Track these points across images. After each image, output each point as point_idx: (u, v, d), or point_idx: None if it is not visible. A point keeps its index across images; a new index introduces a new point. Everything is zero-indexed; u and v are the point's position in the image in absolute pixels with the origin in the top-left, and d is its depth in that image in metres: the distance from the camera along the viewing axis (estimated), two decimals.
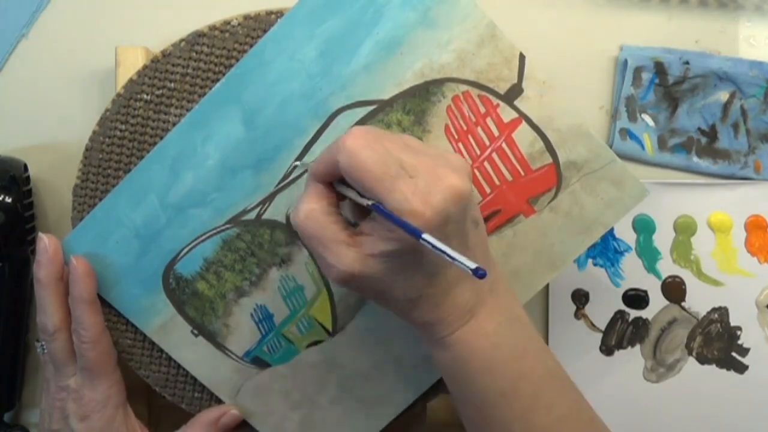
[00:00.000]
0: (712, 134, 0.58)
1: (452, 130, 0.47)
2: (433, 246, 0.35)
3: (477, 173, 0.47)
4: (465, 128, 0.47)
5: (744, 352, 0.59)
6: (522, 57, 0.47)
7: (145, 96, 0.48)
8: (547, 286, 0.58)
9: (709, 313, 0.59)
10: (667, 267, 0.58)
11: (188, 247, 0.48)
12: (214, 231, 0.48)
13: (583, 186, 0.48)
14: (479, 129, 0.47)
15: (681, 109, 0.58)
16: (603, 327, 0.59)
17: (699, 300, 0.59)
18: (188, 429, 0.48)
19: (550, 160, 0.47)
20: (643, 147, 0.58)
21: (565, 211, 0.48)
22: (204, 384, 0.50)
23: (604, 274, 0.58)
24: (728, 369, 0.59)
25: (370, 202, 0.38)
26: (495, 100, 0.47)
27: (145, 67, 0.48)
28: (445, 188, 0.37)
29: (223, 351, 0.50)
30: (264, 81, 0.46)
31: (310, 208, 0.39)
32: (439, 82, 0.47)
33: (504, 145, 0.47)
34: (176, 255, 0.48)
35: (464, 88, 0.47)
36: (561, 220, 0.48)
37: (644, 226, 0.58)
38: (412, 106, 0.47)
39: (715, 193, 0.58)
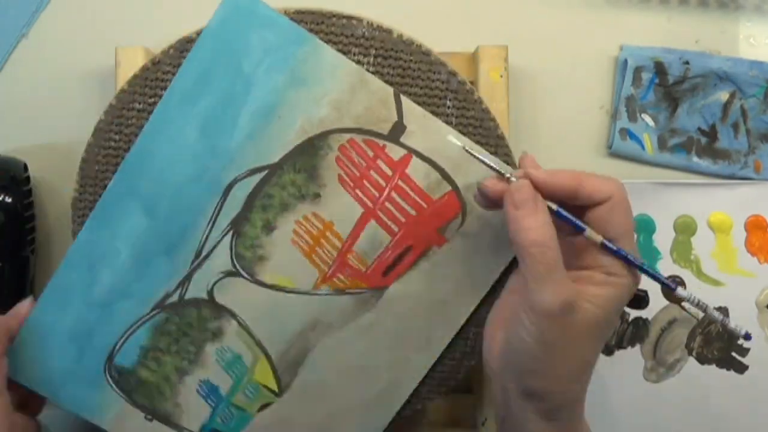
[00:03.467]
0: (712, 134, 0.58)
1: (346, 179, 0.47)
2: (689, 300, 0.39)
3: (381, 215, 0.48)
4: (358, 174, 0.47)
5: (744, 352, 0.59)
6: (397, 94, 0.47)
7: (137, 105, 0.49)
8: None
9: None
10: (667, 267, 0.58)
11: (122, 339, 0.49)
12: (143, 319, 0.49)
13: None
14: (372, 172, 0.47)
15: (681, 109, 0.58)
16: None
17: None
18: None
19: (449, 187, 0.47)
20: (643, 147, 0.58)
21: (475, 233, 0.48)
22: None
23: None
24: (728, 369, 0.59)
25: (614, 247, 0.39)
26: (381, 142, 0.47)
27: (135, 76, 0.49)
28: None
29: (180, 430, 0.50)
30: (154, 170, 0.47)
31: (548, 233, 0.38)
32: (323, 136, 0.47)
33: (400, 183, 0.47)
34: (112, 349, 0.49)
35: (348, 136, 0.47)
36: (474, 243, 0.48)
37: (644, 226, 0.58)
38: (302, 164, 0.47)
39: (715, 193, 0.58)
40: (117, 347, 0.49)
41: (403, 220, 0.48)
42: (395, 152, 0.47)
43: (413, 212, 0.47)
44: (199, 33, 0.47)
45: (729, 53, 0.59)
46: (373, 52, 0.49)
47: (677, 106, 0.58)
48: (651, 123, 0.58)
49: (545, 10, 0.58)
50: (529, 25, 0.58)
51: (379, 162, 0.47)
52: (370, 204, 0.48)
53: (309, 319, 0.48)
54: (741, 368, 0.59)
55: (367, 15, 0.49)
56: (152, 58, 0.49)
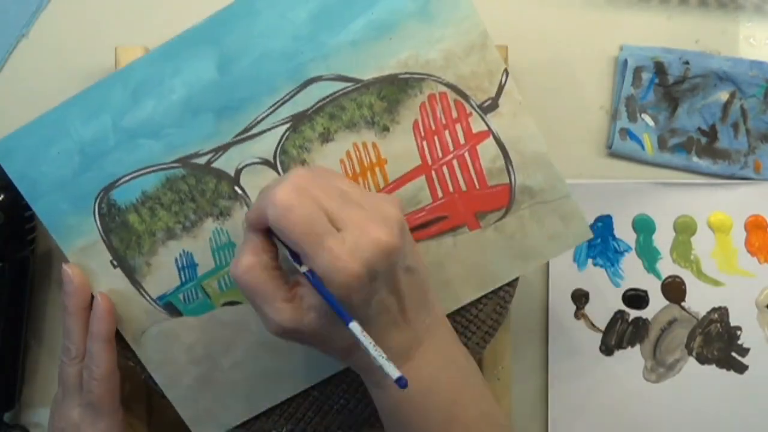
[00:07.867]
0: (712, 134, 0.58)
1: (420, 126, 0.47)
2: (358, 338, 0.37)
3: (434, 175, 0.47)
4: (433, 128, 0.47)
5: (744, 352, 0.59)
6: (506, 73, 0.47)
7: None
8: (547, 285, 0.58)
9: (709, 313, 0.59)
10: (667, 267, 0.58)
11: (130, 175, 0.47)
12: (161, 166, 0.47)
13: (532, 213, 0.48)
14: (447, 132, 0.47)
15: (681, 109, 0.58)
16: (603, 327, 0.59)
17: (699, 300, 0.59)
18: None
19: (507, 180, 0.47)
20: (643, 147, 0.58)
21: (508, 233, 0.48)
22: None
23: (604, 274, 0.58)
24: (728, 369, 0.59)
25: (304, 269, 0.38)
26: (469, 109, 0.47)
27: None
28: (371, 243, 0.37)
29: (137, 289, 0.48)
30: (249, 31, 0.46)
31: (249, 263, 0.38)
32: (420, 77, 0.47)
33: (466, 155, 0.47)
34: (115, 180, 0.47)
35: (443, 89, 0.47)
36: (502, 242, 0.48)
37: (644, 226, 0.58)
38: (388, 93, 0.47)
39: (715, 193, 0.58)
40: (121, 180, 0.46)
41: (451, 189, 0.47)
42: (477, 124, 0.47)
43: (464, 187, 0.47)
44: None
45: (729, 53, 0.59)
46: None
47: (677, 106, 0.58)
48: (651, 123, 0.58)
49: (545, 10, 0.58)
50: (529, 25, 0.58)
51: (458, 127, 0.47)
52: (429, 160, 0.47)
53: None
54: (741, 368, 0.59)
55: None
56: None
